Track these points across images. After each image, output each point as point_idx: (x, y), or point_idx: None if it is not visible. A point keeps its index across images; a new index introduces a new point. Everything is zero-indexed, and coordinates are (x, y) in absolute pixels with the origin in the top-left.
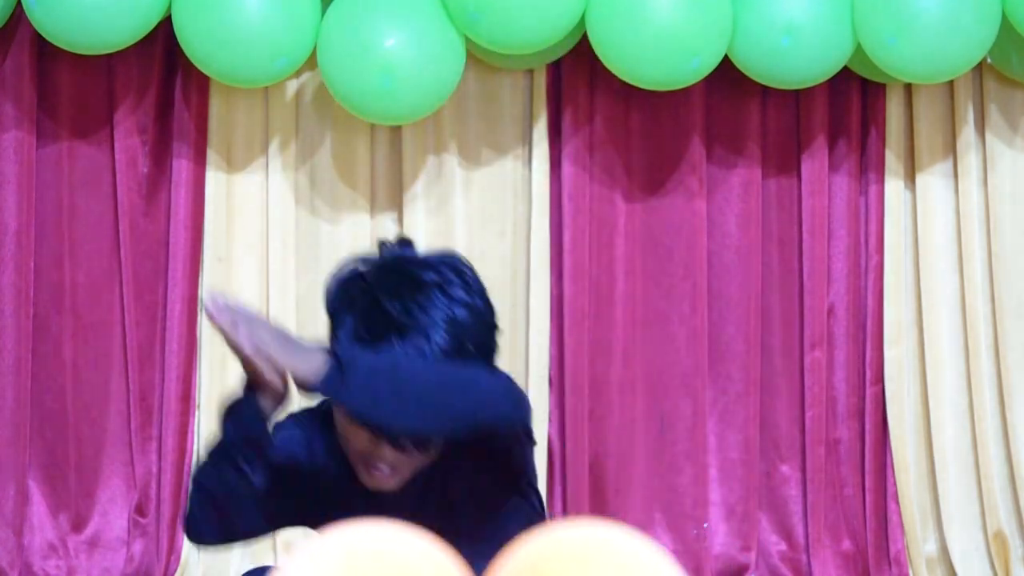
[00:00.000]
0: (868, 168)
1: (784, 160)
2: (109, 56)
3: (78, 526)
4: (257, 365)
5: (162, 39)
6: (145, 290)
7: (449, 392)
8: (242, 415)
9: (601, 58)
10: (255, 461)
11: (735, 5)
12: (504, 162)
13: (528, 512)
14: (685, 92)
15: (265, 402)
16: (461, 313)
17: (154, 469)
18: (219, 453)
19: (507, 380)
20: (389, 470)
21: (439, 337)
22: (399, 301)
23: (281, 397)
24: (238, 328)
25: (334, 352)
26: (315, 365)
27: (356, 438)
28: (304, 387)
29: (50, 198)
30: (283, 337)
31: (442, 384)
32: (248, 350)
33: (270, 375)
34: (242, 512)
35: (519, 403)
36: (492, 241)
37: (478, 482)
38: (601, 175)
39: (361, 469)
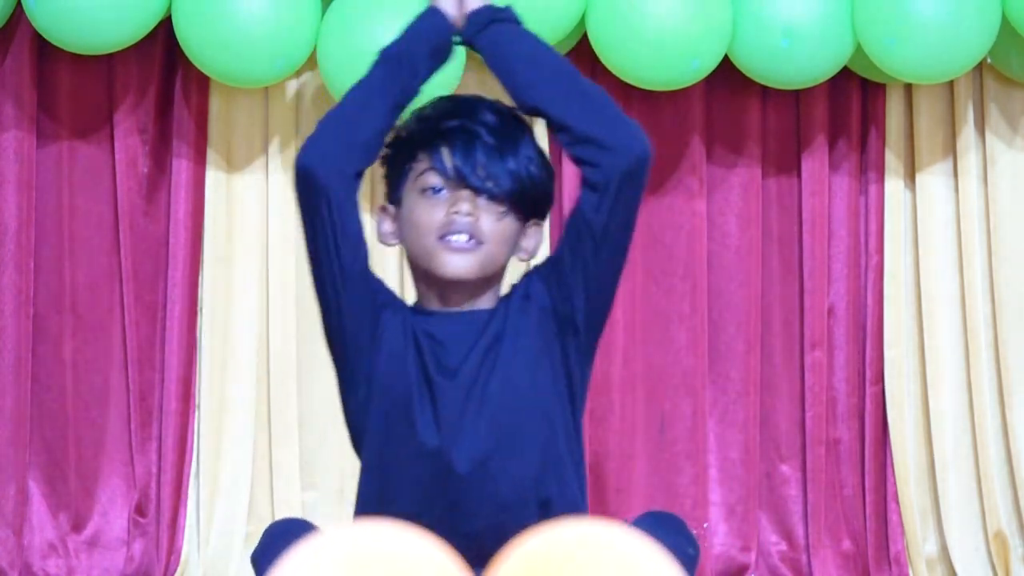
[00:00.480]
0: (868, 168)
1: (784, 160)
2: (109, 56)
3: (78, 526)
4: None
5: (162, 39)
6: (145, 290)
7: (589, 85)
8: (425, 23)
9: (601, 58)
10: (418, 74)
11: (735, 6)
12: None
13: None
14: (685, 92)
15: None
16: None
17: (154, 469)
18: (389, 55)
19: None
20: (467, 238)
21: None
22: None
23: (449, 31)
24: None
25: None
26: None
27: (433, 211)
28: (470, 16)
29: (50, 198)
30: None
31: (589, 82)
32: None
33: None
34: (366, 141)
35: (647, 144)
36: None
37: (531, 348)
38: None
39: (438, 251)
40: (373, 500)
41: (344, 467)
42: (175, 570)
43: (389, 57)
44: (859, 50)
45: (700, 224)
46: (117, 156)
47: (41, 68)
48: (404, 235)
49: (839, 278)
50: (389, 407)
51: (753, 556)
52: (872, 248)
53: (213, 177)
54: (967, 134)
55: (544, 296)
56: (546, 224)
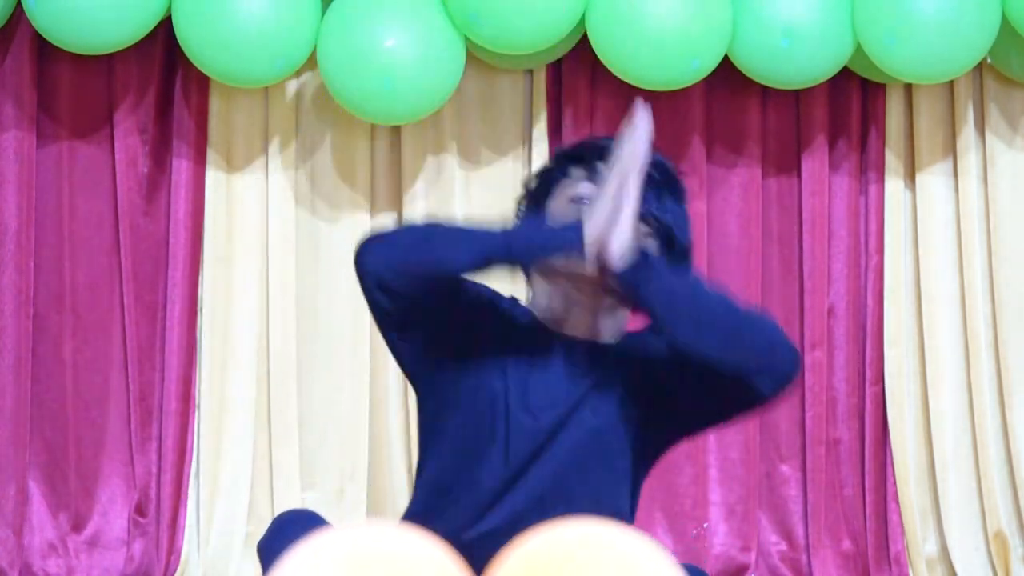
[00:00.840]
0: (868, 168)
1: (784, 160)
2: (109, 56)
3: (78, 526)
4: (604, 201)
5: (162, 39)
6: (145, 290)
7: (736, 319)
8: (560, 241)
9: (601, 58)
10: (515, 265)
11: (735, 6)
12: (504, 162)
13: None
14: (685, 92)
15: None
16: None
17: (154, 469)
18: (509, 237)
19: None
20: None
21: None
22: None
23: (576, 261)
24: (634, 164)
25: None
26: (627, 242)
27: (579, 213)
28: (604, 261)
29: (50, 198)
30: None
31: (736, 314)
32: (620, 181)
33: (601, 226)
34: (425, 275)
35: (797, 364)
36: None
37: (623, 409)
38: None
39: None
40: (419, 514)
41: (344, 467)
42: (175, 570)
43: (508, 238)
44: (859, 50)
45: (700, 224)
46: (117, 156)
47: (41, 68)
48: None
49: (839, 278)
50: (471, 432)
51: (753, 556)
52: (872, 248)
53: (213, 177)
54: (967, 134)
55: (653, 366)
56: None
